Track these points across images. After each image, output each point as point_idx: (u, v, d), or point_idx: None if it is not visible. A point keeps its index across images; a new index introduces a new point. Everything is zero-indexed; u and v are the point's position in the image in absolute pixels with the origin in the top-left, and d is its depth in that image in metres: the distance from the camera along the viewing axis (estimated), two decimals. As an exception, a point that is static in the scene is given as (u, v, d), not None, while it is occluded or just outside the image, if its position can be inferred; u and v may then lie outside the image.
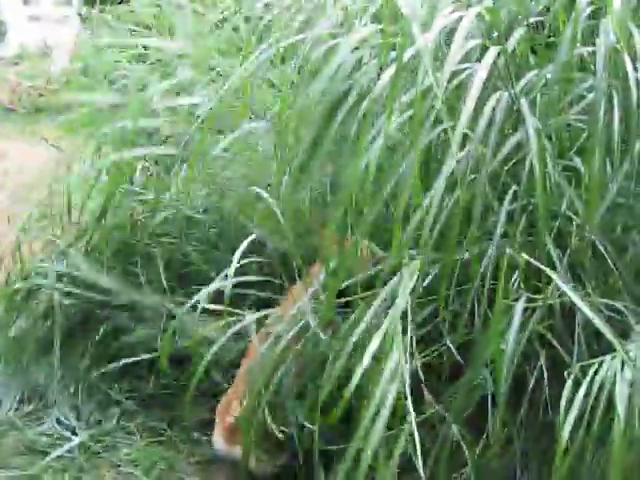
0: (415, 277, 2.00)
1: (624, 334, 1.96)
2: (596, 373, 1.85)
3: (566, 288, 1.98)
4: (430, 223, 1.84)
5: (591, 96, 2.29)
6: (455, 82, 2.01)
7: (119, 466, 2.47)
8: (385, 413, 1.90)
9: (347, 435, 2.17)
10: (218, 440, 2.36)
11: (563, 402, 1.82)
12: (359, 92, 1.95)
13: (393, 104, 1.82)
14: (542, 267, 2.07)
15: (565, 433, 1.77)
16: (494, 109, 2.09)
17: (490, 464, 2.18)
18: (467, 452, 2.10)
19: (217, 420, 2.39)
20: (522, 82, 2.23)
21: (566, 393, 1.83)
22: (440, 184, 1.85)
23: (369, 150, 1.87)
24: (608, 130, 2.14)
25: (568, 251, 2.21)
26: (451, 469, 2.20)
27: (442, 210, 1.90)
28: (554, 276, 2.01)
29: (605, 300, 2.05)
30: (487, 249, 2.13)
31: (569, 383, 1.85)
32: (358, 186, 1.87)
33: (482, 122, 2.05)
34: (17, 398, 2.75)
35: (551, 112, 2.23)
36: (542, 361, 2.19)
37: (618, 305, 2.03)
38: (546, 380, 2.16)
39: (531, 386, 2.20)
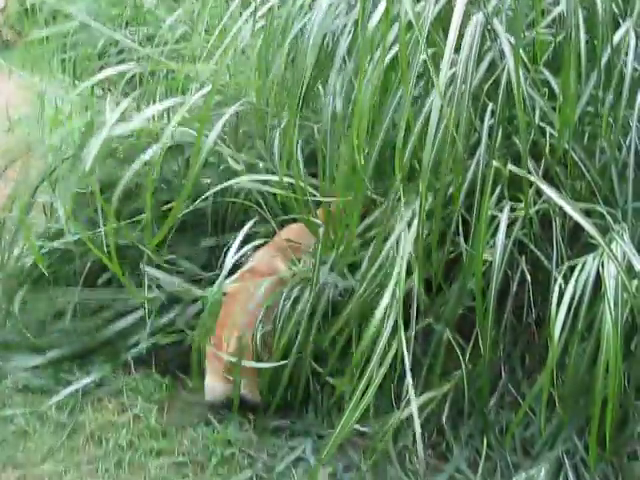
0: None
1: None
2: (580, 271, 1.98)
3: (549, 191, 2.08)
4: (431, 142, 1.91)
5: (558, 9, 2.38)
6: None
7: (120, 395, 2.52)
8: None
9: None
10: (214, 383, 2.40)
11: (554, 298, 1.93)
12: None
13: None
14: (524, 174, 2.17)
15: (557, 327, 1.90)
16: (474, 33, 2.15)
17: (478, 366, 2.32)
18: (460, 353, 2.22)
19: (208, 363, 2.40)
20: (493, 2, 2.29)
21: (556, 289, 1.95)
22: (436, 106, 1.91)
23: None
24: (576, 42, 2.22)
25: (542, 161, 2.33)
26: (443, 374, 2.34)
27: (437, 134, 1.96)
28: (537, 181, 2.11)
29: (583, 204, 2.16)
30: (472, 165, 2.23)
31: (559, 280, 1.97)
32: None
33: (465, 46, 2.12)
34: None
35: (520, 27, 2.29)
36: (523, 266, 2.33)
37: (597, 207, 2.14)
38: (529, 284, 2.30)
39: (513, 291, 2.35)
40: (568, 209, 2.04)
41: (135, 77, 2.78)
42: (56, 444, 2.29)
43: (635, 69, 2.26)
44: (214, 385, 2.41)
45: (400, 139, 1.92)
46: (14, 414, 2.42)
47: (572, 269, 2.09)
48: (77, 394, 2.52)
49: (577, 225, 2.26)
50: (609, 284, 1.89)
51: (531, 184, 2.24)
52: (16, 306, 2.64)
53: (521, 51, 2.23)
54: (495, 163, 2.17)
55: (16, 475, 2.18)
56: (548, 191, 2.09)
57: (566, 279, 2.05)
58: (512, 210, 2.23)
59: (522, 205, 2.21)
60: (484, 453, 2.27)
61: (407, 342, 2.21)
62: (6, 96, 3.66)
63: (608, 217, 2.12)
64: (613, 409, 1.87)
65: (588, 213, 2.22)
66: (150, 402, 2.49)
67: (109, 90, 3.03)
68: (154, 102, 2.69)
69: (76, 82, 3.15)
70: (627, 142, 2.31)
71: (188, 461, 2.24)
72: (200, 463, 2.24)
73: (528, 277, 2.27)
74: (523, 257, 2.31)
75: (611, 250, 1.93)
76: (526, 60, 2.33)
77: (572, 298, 1.95)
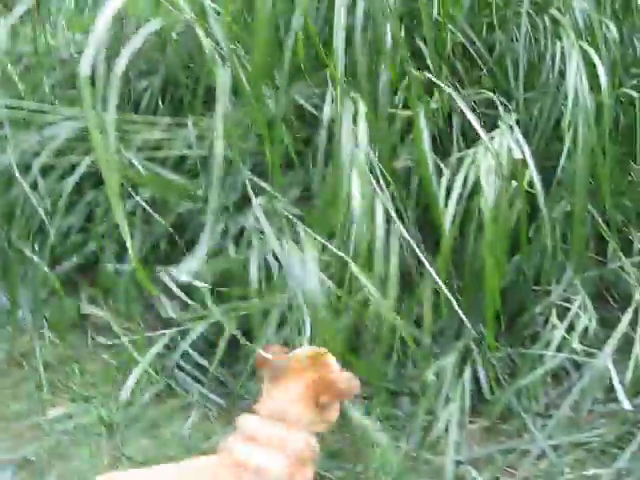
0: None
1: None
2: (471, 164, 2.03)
3: (444, 86, 2.10)
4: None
5: None
6: None
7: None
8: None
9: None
10: None
11: (441, 190, 1.98)
12: None
13: None
14: (426, 74, 2.19)
15: (447, 219, 1.96)
16: None
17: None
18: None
19: None
20: None
21: (443, 182, 1.99)
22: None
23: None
24: None
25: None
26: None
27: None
28: (433, 77, 2.13)
29: (476, 91, 2.19)
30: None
31: (446, 174, 2.01)
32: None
33: None
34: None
35: None
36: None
37: (489, 94, 2.17)
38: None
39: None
40: (459, 101, 2.06)
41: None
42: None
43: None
44: None
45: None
46: None
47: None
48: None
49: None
50: (485, 177, 1.94)
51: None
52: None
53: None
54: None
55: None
56: (443, 86, 2.10)
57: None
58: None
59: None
60: (396, 347, 2.35)
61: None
62: None
63: (500, 106, 2.15)
64: (495, 294, 1.97)
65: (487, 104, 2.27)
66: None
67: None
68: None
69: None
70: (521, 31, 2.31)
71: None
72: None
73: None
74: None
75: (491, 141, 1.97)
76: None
77: (462, 191, 1.99)
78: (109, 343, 2.38)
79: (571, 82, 2.05)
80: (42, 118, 2.41)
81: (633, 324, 2.22)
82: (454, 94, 2.16)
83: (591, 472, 2.05)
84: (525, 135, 2.22)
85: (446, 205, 1.97)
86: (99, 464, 2.05)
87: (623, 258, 2.34)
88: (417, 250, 2.01)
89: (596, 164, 2.12)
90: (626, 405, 2.01)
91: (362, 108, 1.98)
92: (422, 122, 2.11)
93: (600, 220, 2.33)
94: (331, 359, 1.65)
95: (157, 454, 2.08)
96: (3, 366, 2.32)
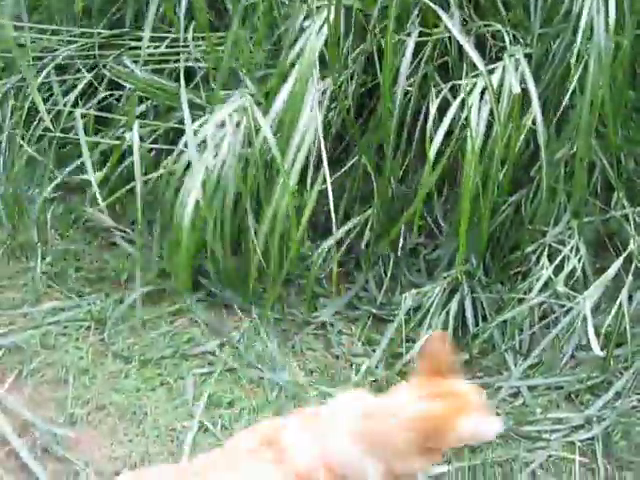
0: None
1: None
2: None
3: (445, 17, 2.05)
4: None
5: None
6: None
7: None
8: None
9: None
10: None
11: (430, 118, 1.96)
12: None
13: None
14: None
15: (433, 148, 1.94)
16: None
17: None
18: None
19: None
20: None
21: (432, 111, 1.96)
22: None
23: None
24: None
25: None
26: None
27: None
28: (434, 6, 2.07)
29: (483, 22, 2.13)
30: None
31: (435, 102, 1.98)
32: None
33: None
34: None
35: None
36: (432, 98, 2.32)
37: (497, 25, 2.11)
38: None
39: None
40: (458, 36, 2.01)
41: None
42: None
43: None
44: None
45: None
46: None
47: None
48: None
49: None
50: (475, 108, 1.91)
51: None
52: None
53: None
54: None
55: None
56: (444, 17, 2.05)
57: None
58: (420, 35, 2.20)
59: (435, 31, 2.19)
60: (390, 272, 2.36)
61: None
62: None
63: (507, 38, 2.10)
64: (485, 228, 2.00)
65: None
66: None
67: None
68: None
69: None
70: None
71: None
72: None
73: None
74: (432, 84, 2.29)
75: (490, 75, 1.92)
76: None
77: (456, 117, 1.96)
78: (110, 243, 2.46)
79: (584, 16, 1.97)
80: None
81: (626, 273, 2.19)
82: (451, 24, 2.09)
83: (562, 415, 2.05)
84: (537, 70, 2.17)
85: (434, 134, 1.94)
86: (84, 356, 2.14)
87: (627, 207, 2.28)
88: (322, 142, 2.04)
89: (604, 105, 2.06)
90: (597, 351, 1.98)
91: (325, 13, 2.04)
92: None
93: (609, 167, 2.28)
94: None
95: (141, 352, 2.16)
96: (4, 258, 2.41)
